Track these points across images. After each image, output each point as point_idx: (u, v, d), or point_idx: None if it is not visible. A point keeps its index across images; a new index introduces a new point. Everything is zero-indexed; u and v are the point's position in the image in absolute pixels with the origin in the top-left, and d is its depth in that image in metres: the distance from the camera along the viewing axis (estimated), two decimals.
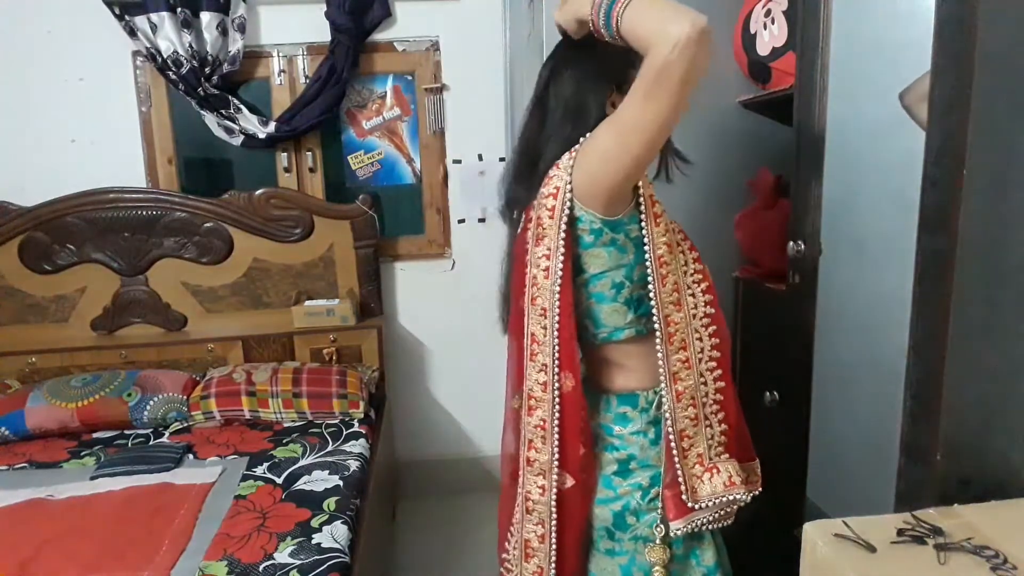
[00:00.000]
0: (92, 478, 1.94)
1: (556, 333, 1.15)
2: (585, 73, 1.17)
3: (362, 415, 2.36)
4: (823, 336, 1.58)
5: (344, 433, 2.24)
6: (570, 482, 1.19)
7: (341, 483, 1.89)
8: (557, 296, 1.14)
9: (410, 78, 2.74)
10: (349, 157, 2.79)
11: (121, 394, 2.32)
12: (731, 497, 1.18)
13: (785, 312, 1.68)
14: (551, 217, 1.13)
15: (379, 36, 2.66)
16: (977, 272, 0.86)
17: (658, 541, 1.20)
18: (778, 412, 1.74)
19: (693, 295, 1.19)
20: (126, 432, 2.30)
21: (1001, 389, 0.91)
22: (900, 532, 0.83)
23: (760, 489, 1.29)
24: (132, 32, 2.46)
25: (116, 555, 1.57)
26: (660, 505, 1.20)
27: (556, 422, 1.17)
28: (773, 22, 1.79)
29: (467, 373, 2.91)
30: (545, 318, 1.15)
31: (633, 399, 1.23)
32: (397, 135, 2.79)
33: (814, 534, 0.85)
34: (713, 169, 1.96)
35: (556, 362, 1.16)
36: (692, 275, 1.20)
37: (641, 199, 1.14)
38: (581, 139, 1.14)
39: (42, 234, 2.56)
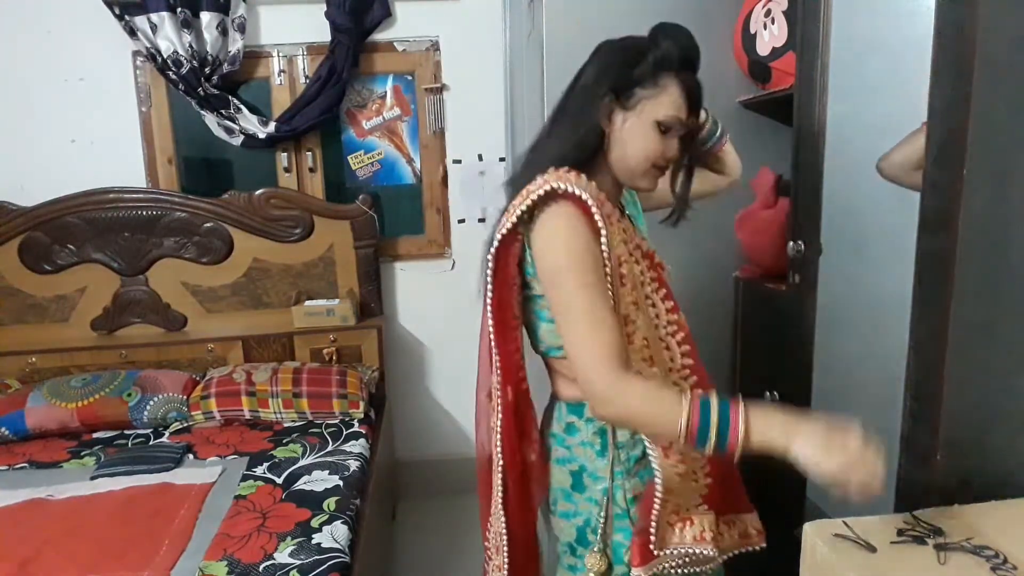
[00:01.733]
0: (92, 478, 1.94)
1: (495, 346, 1.15)
2: (609, 64, 1.12)
3: (362, 415, 2.36)
4: (823, 336, 1.58)
5: (344, 433, 2.24)
6: (511, 487, 1.20)
7: (341, 483, 1.89)
8: (491, 309, 1.13)
9: (410, 78, 2.74)
10: (349, 157, 2.79)
11: (121, 394, 2.32)
12: (696, 551, 1.14)
13: (785, 312, 1.68)
14: (498, 228, 1.11)
15: (379, 36, 2.66)
16: (977, 272, 0.86)
17: (596, 549, 1.17)
18: None
19: (668, 347, 1.15)
20: (126, 432, 2.30)
21: (1001, 389, 0.91)
22: (900, 532, 0.83)
23: (763, 545, 1.24)
24: (132, 32, 2.46)
25: (116, 555, 1.57)
26: (628, 520, 1.16)
27: (499, 430, 1.18)
28: (773, 22, 1.79)
29: (467, 373, 2.88)
30: (488, 329, 1.16)
31: (579, 409, 1.19)
32: (397, 135, 2.79)
33: (814, 534, 0.85)
34: None
35: (498, 373, 1.16)
36: (666, 327, 1.16)
37: (607, 270, 1.07)
38: (593, 134, 1.10)
39: (42, 234, 2.56)
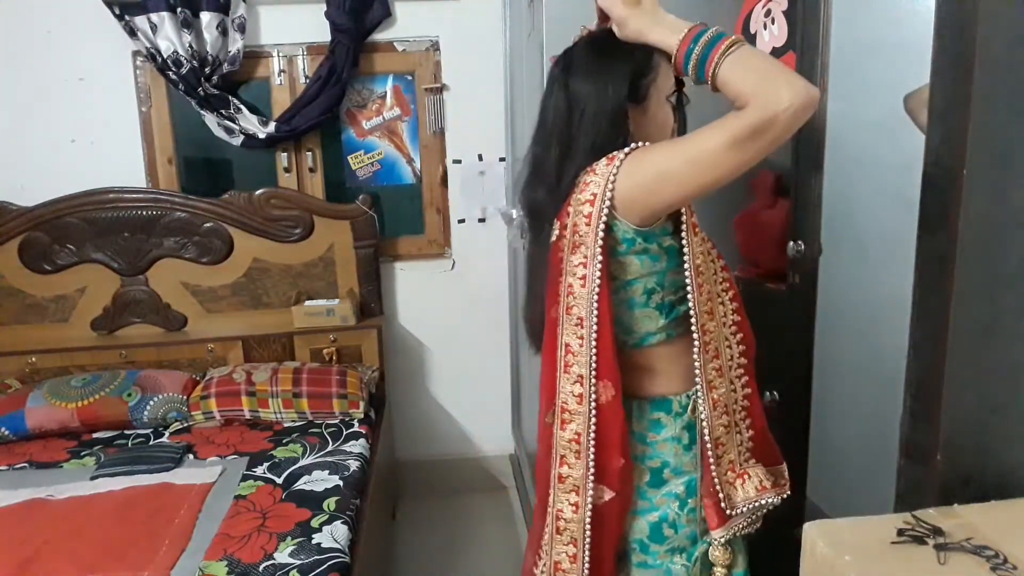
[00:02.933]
0: (92, 478, 1.94)
1: (594, 342, 1.11)
2: (606, 76, 1.13)
3: (362, 415, 2.36)
4: (823, 336, 1.57)
5: (344, 433, 2.24)
6: (608, 495, 1.16)
7: (341, 483, 1.89)
8: (596, 304, 1.10)
9: (410, 78, 2.74)
10: (349, 157, 2.79)
11: (121, 394, 2.32)
12: (763, 501, 1.19)
13: (785, 312, 1.68)
14: (588, 224, 1.10)
15: (379, 36, 2.67)
16: (977, 272, 0.86)
17: (720, 542, 1.19)
18: (778, 412, 1.74)
19: (723, 303, 1.20)
20: (126, 432, 2.30)
21: (1001, 389, 0.91)
22: (900, 532, 0.83)
23: (788, 492, 1.28)
24: (132, 32, 2.46)
25: (116, 555, 1.57)
26: (698, 516, 1.19)
27: (592, 434, 1.13)
28: (773, 22, 1.79)
29: (467, 373, 2.91)
30: (582, 327, 1.12)
31: (666, 404, 1.20)
32: (397, 135, 2.79)
33: (814, 534, 0.85)
34: None
35: (593, 372, 1.12)
36: (721, 283, 1.20)
37: (682, 210, 1.13)
38: (627, 148, 1.09)
39: (42, 234, 2.56)
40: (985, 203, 0.85)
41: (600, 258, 1.10)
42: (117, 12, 2.45)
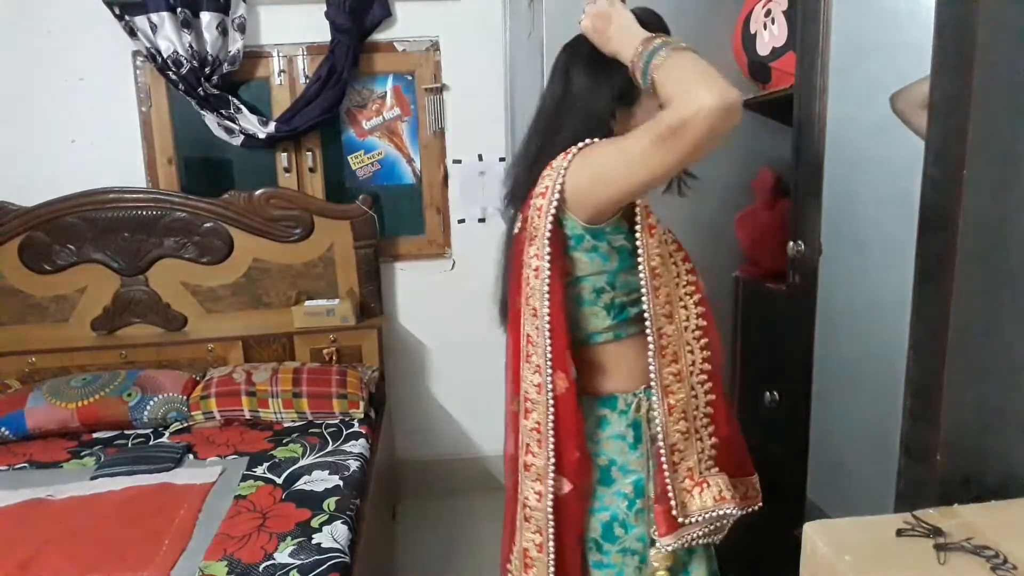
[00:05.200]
0: (92, 478, 1.94)
1: (548, 333, 1.13)
2: (603, 73, 1.15)
3: (362, 415, 2.36)
4: (823, 336, 1.58)
5: (344, 433, 2.24)
6: (567, 487, 1.17)
7: (341, 483, 1.88)
8: (547, 296, 1.13)
9: (410, 78, 2.74)
10: (349, 157, 2.79)
11: (121, 394, 2.32)
12: (721, 512, 1.16)
13: (785, 312, 1.68)
14: (539, 216, 1.13)
15: (379, 36, 2.66)
16: (977, 272, 0.86)
17: (658, 547, 1.18)
18: (778, 412, 1.74)
19: (685, 307, 1.18)
20: (126, 432, 2.30)
21: (1001, 389, 0.91)
22: (900, 532, 0.83)
23: (760, 504, 1.27)
24: (132, 32, 2.46)
25: (116, 555, 1.57)
26: (646, 518, 1.19)
27: (551, 425, 1.15)
28: (773, 22, 1.79)
29: (467, 373, 2.91)
30: (537, 318, 1.14)
31: (612, 401, 1.21)
32: (397, 135, 2.79)
33: (814, 534, 0.85)
34: (713, 169, 1.96)
35: (549, 362, 1.14)
36: (685, 286, 1.18)
37: (637, 211, 1.13)
38: (580, 143, 1.12)
39: (42, 234, 2.56)
40: (985, 203, 0.85)
41: (548, 250, 1.12)
42: (117, 12, 2.45)
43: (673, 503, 1.15)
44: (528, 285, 1.16)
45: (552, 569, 1.19)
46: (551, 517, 1.17)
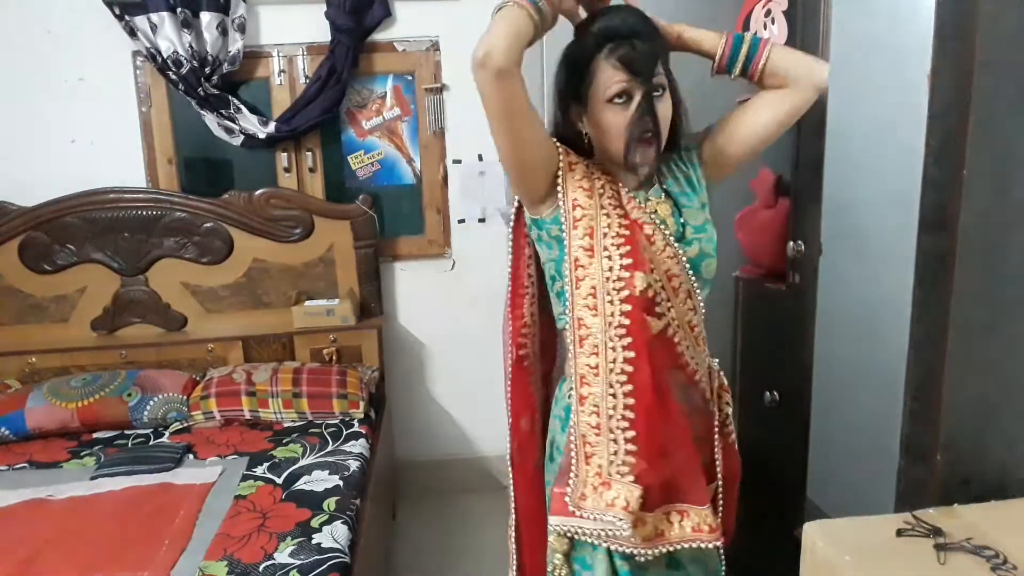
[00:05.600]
0: (92, 478, 1.94)
1: (508, 310, 1.29)
2: (558, 72, 1.24)
3: (362, 415, 2.36)
4: (823, 336, 1.57)
5: (344, 433, 2.24)
6: (516, 457, 1.34)
7: (341, 483, 1.89)
8: (508, 274, 1.28)
9: (410, 78, 2.74)
10: (349, 157, 2.79)
11: (121, 394, 2.32)
12: (608, 518, 1.12)
13: (785, 312, 1.68)
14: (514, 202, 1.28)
15: (379, 36, 2.66)
16: (977, 272, 0.86)
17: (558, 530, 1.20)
18: (778, 412, 1.74)
19: (611, 302, 1.16)
20: (126, 432, 2.30)
21: (1001, 389, 0.91)
22: (900, 532, 0.83)
23: (719, 542, 1.19)
24: (132, 32, 2.46)
25: (116, 555, 1.57)
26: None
27: (508, 393, 1.32)
28: (773, 22, 1.79)
29: (467, 373, 2.91)
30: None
31: (561, 384, 1.30)
32: (397, 135, 2.79)
33: (814, 534, 0.85)
34: None
35: (509, 339, 1.30)
36: (615, 282, 1.16)
37: (560, 203, 1.19)
38: (578, 144, 1.26)
39: (42, 234, 2.56)
40: (985, 203, 0.85)
41: (511, 238, 1.28)
42: (117, 12, 2.44)
43: (570, 490, 1.16)
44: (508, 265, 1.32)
45: (513, 523, 1.37)
46: (510, 471, 1.35)
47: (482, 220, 2.82)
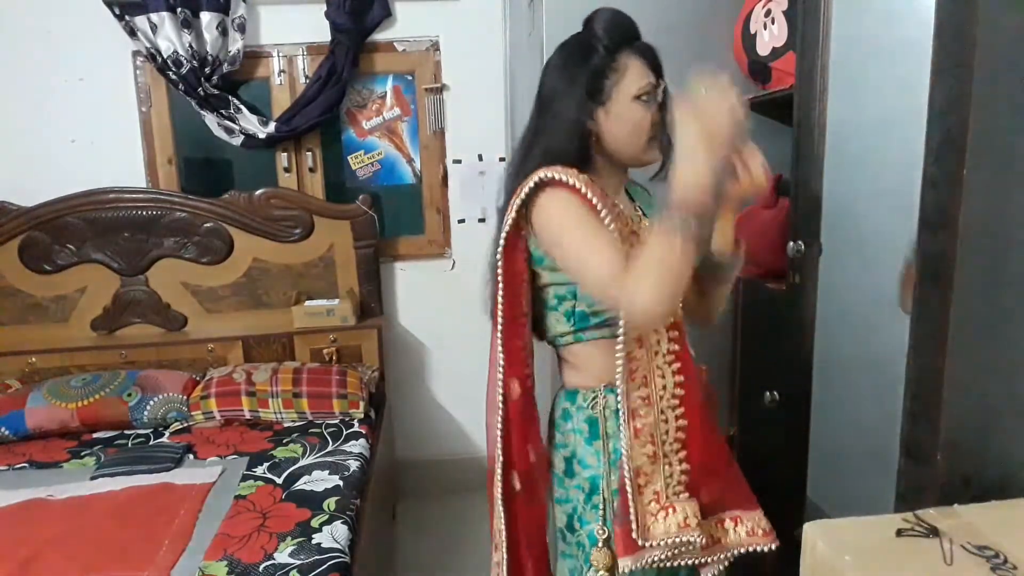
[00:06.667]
0: (92, 478, 1.94)
1: (500, 340, 1.19)
2: (569, 74, 1.17)
3: (362, 415, 2.36)
4: (823, 336, 1.58)
5: (344, 433, 2.24)
6: (518, 486, 1.23)
7: (341, 483, 1.88)
8: (501, 303, 1.18)
9: (410, 78, 2.74)
10: (349, 157, 2.79)
11: (121, 394, 2.32)
12: (684, 539, 1.13)
13: (785, 312, 1.68)
14: (504, 226, 1.17)
15: (379, 36, 2.66)
16: (977, 272, 0.86)
17: (600, 544, 1.18)
18: (778, 412, 1.74)
19: (657, 330, 1.16)
20: (126, 432, 2.30)
21: (1001, 389, 0.91)
22: (900, 532, 0.83)
23: (774, 544, 1.21)
24: (132, 32, 2.46)
25: (116, 555, 1.57)
26: (599, 516, 1.19)
27: (500, 428, 1.21)
28: (773, 22, 1.79)
29: (467, 373, 2.90)
30: (497, 324, 1.19)
31: (573, 396, 1.24)
32: (397, 135, 2.79)
33: (814, 534, 0.85)
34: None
35: (501, 369, 1.20)
36: None
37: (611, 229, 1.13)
38: (581, 152, 1.15)
39: (42, 234, 2.56)
40: (985, 203, 0.85)
41: (502, 262, 1.17)
42: (117, 12, 2.45)
43: (634, 525, 1.13)
44: (499, 293, 1.20)
45: (506, 555, 1.25)
46: (501, 510, 1.24)
47: (482, 220, 2.82)
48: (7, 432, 2.24)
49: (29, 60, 2.56)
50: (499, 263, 1.17)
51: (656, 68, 1.17)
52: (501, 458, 1.22)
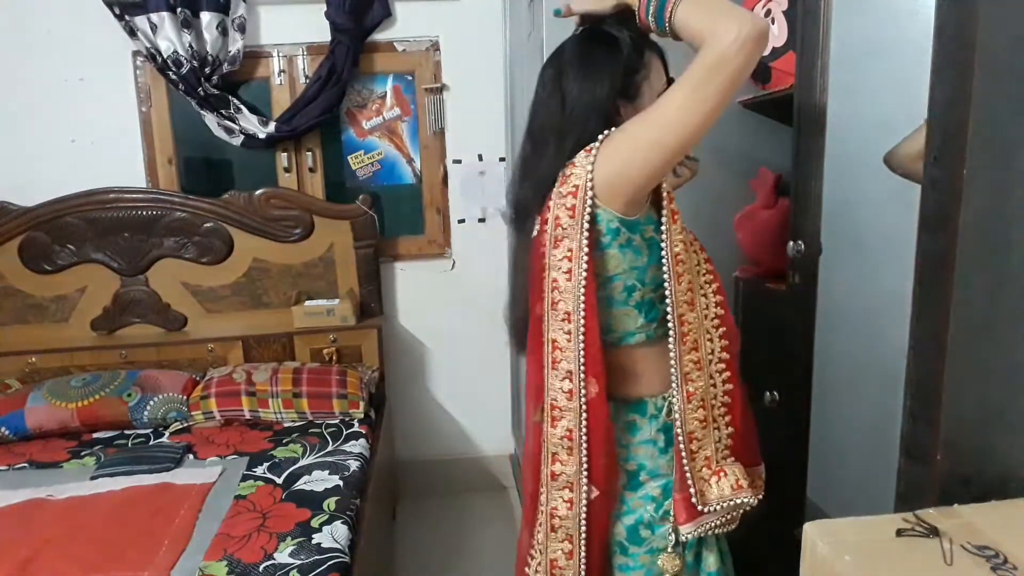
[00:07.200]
0: (92, 478, 1.94)
1: (582, 337, 1.11)
2: (597, 73, 1.15)
3: (362, 415, 2.36)
4: (823, 336, 1.58)
5: (344, 433, 2.24)
6: (595, 493, 1.17)
7: (341, 483, 1.88)
8: (582, 298, 1.10)
9: (410, 78, 2.74)
10: (349, 157, 2.79)
11: (121, 394, 2.32)
12: (738, 501, 1.17)
13: (785, 312, 1.68)
14: (571, 216, 1.10)
15: (379, 36, 2.67)
16: (977, 272, 0.86)
17: (670, 549, 1.18)
18: (778, 412, 1.74)
19: (705, 295, 1.18)
20: (126, 432, 2.30)
21: (1001, 389, 0.91)
22: (900, 532, 0.83)
23: (762, 495, 1.27)
24: (132, 32, 2.46)
25: (116, 555, 1.57)
26: (672, 515, 1.19)
27: (584, 431, 1.13)
28: (773, 22, 1.79)
29: (467, 373, 2.91)
30: (568, 323, 1.12)
31: (642, 407, 1.20)
32: (397, 135, 2.79)
33: (814, 534, 0.85)
34: (713, 169, 1.96)
35: (582, 368, 1.12)
36: (704, 275, 1.19)
37: (663, 196, 1.13)
38: (600, 136, 1.11)
39: (42, 234, 2.56)
40: (985, 203, 0.84)
41: (586, 250, 1.10)
42: (117, 12, 2.45)
43: (692, 491, 1.15)
44: (556, 289, 1.13)
45: (583, 552, 1.19)
46: (583, 524, 1.17)
47: (482, 220, 2.82)
48: (7, 432, 2.24)
49: (29, 60, 2.56)
50: (584, 254, 1.09)
51: (667, 67, 1.19)
52: (586, 468, 1.15)
